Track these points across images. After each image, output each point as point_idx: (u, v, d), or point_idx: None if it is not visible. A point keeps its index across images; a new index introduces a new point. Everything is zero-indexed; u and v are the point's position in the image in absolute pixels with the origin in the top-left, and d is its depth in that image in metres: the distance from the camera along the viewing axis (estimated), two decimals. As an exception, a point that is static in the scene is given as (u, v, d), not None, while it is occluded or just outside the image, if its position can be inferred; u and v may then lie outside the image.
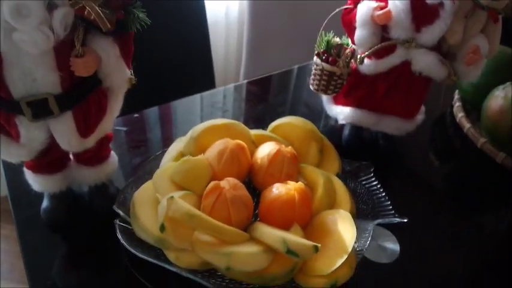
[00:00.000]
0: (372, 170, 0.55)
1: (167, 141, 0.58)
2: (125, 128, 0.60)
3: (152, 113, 0.64)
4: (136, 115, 0.63)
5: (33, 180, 0.44)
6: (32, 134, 0.36)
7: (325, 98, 0.59)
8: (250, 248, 0.41)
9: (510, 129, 0.56)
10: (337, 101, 0.58)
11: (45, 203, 0.46)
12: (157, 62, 0.87)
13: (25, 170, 0.44)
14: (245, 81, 0.75)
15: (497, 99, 0.58)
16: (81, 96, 0.37)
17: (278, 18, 1.20)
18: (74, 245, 0.46)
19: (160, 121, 0.63)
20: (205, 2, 0.97)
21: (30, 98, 0.34)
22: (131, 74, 0.41)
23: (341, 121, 0.57)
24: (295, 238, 0.40)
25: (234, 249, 0.40)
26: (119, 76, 0.38)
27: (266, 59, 1.21)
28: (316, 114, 0.68)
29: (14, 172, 0.48)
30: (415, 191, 0.58)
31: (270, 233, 0.41)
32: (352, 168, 0.56)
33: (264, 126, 0.58)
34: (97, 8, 0.33)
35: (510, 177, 0.59)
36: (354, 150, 0.61)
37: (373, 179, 0.54)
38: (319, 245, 0.39)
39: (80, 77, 0.35)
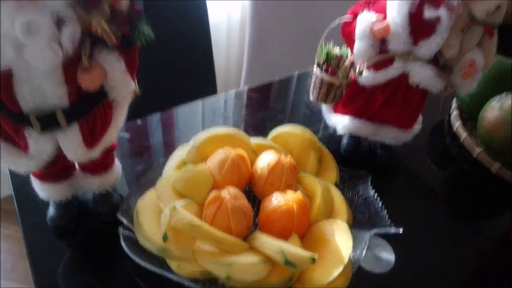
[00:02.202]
0: (369, 179, 0.56)
1: (169, 148, 0.59)
2: (127, 135, 0.61)
3: (154, 119, 0.65)
4: (139, 122, 0.64)
5: (40, 189, 0.45)
6: (40, 146, 0.37)
7: (324, 107, 0.61)
8: (250, 258, 0.42)
9: (505, 140, 0.57)
10: (336, 111, 0.59)
11: (51, 211, 0.47)
12: (159, 66, 0.89)
13: (32, 178, 0.45)
14: (246, 87, 0.76)
15: (493, 109, 0.60)
16: (87, 109, 0.38)
17: (279, 22, 1.21)
18: (79, 251, 0.48)
19: (163, 127, 0.64)
20: (207, 4, 0.98)
21: (38, 112, 0.35)
22: (136, 85, 0.42)
23: (340, 131, 0.58)
24: (293, 249, 0.41)
25: (234, 259, 0.42)
26: (125, 89, 0.39)
27: (267, 61, 1.22)
28: (315, 122, 0.69)
29: (20, 179, 0.49)
30: (411, 201, 0.59)
31: (269, 244, 0.42)
32: (350, 177, 0.57)
33: (264, 133, 0.59)
34: (103, 23, 0.34)
35: (505, 187, 0.61)
36: (352, 159, 0.62)
37: (371, 188, 0.55)
38: (316, 256, 0.41)
39: (86, 91, 0.36)
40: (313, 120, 0.70)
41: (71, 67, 0.35)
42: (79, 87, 0.36)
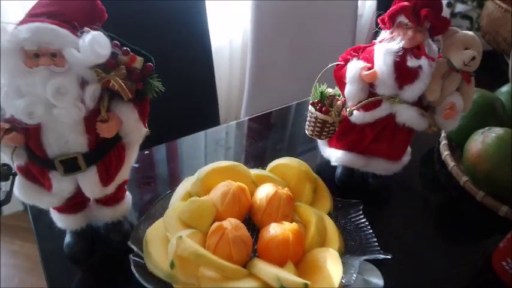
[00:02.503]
0: (361, 207, 0.60)
1: (174, 178, 0.64)
2: (136, 165, 0.66)
3: (160, 150, 0.70)
4: (146, 152, 0.69)
5: (58, 219, 0.50)
6: (62, 186, 0.42)
7: (320, 141, 0.65)
8: (249, 284, 0.46)
9: (487, 172, 0.61)
10: (330, 144, 0.63)
11: (67, 239, 0.52)
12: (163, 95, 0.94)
13: (51, 210, 0.50)
14: (246, 118, 0.81)
15: (476, 142, 0.64)
16: (104, 152, 0.43)
17: (280, 50, 1.27)
18: (92, 276, 0.52)
19: (168, 158, 0.69)
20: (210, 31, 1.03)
21: (62, 157, 0.40)
22: (146, 128, 0.47)
23: (333, 163, 0.62)
24: (288, 276, 0.45)
25: (235, 285, 0.46)
26: (137, 134, 0.44)
27: (268, 86, 1.28)
28: (312, 152, 0.73)
29: (37, 209, 0.53)
30: (401, 227, 0.63)
31: (266, 271, 0.46)
32: (343, 205, 0.61)
33: (263, 162, 0.63)
34: (120, 81, 0.39)
35: (489, 214, 0.65)
36: (345, 187, 0.66)
37: (362, 216, 0.60)
38: (309, 283, 0.45)
39: (104, 137, 0.41)
40: (310, 150, 0.75)
41: (91, 119, 0.40)
42: (97, 135, 0.41)
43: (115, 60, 0.38)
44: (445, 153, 0.73)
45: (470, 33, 0.51)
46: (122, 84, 0.39)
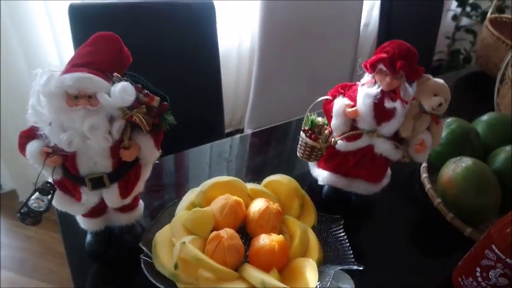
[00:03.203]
0: (342, 222, 0.68)
1: (181, 187, 0.73)
2: (148, 174, 0.75)
3: (169, 160, 0.79)
4: (157, 161, 0.78)
5: (81, 221, 0.59)
6: (89, 198, 0.51)
7: (310, 162, 0.74)
8: (239, 285, 0.55)
9: (455, 197, 0.70)
10: (318, 165, 0.72)
11: (88, 238, 0.61)
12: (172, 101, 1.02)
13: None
14: (249, 132, 0.89)
15: (448, 170, 0.72)
16: (125, 172, 0.52)
17: (285, 61, 1.35)
18: (108, 270, 0.61)
19: (175, 168, 0.78)
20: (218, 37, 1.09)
21: (91, 176, 0.49)
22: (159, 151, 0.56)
23: (320, 182, 0.71)
24: (271, 280, 0.54)
25: (227, 286, 0.55)
26: (152, 157, 0.53)
27: (272, 97, 1.36)
28: (305, 169, 0.82)
29: (64, 212, 0.63)
30: (376, 242, 0.71)
31: (253, 275, 0.55)
32: (326, 220, 0.70)
33: (261, 176, 0.72)
34: (141, 117, 0.48)
35: (457, 234, 0.73)
36: (331, 203, 0.75)
37: (342, 230, 0.68)
38: (288, 288, 0.54)
39: (125, 160, 0.50)
40: (303, 167, 0.83)
41: (115, 146, 0.49)
42: (120, 159, 0.50)
43: (137, 101, 0.47)
44: (424, 175, 0.81)
45: (440, 81, 0.59)
46: (142, 119, 0.48)
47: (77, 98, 0.44)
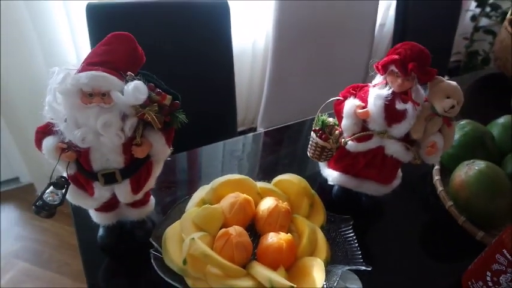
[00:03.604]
0: (351, 223, 0.68)
1: (193, 184, 0.74)
2: (160, 170, 0.76)
3: (181, 157, 0.80)
4: (168, 158, 0.79)
5: (94, 215, 0.61)
6: (102, 193, 0.53)
7: (320, 162, 0.74)
8: (246, 283, 0.56)
9: (467, 200, 0.69)
10: (329, 165, 0.72)
11: (100, 232, 0.63)
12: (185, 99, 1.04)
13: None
14: (262, 130, 0.90)
15: (460, 173, 0.71)
16: (136, 169, 0.53)
17: (299, 61, 1.35)
18: (118, 263, 0.63)
19: (188, 165, 0.79)
20: (233, 35, 1.10)
21: (103, 171, 0.51)
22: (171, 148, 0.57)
23: (330, 182, 0.71)
24: (278, 278, 0.55)
25: (235, 282, 0.55)
26: (163, 154, 0.54)
27: (285, 97, 1.36)
28: (316, 168, 0.82)
29: (78, 206, 0.65)
30: (386, 243, 0.71)
31: (260, 273, 0.56)
32: (335, 220, 0.70)
33: (272, 175, 0.72)
34: (153, 115, 0.49)
35: (468, 238, 0.72)
36: (341, 203, 0.75)
37: (351, 231, 0.68)
38: (295, 286, 0.54)
39: (137, 157, 0.51)
40: (314, 167, 0.84)
41: (127, 143, 0.50)
42: (132, 155, 0.51)
43: (150, 99, 0.48)
44: (436, 177, 0.80)
45: (453, 83, 0.59)
46: (154, 117, 0.49)
47: (91, 96, 0.46)
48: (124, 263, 0.63)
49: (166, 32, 1.01)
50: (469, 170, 0.70)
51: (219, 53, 1.09)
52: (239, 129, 1.82)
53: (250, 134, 0.89)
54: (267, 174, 0.73)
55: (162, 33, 1.01)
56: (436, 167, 0.82)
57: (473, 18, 2.19)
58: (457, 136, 0.79)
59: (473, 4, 2.17)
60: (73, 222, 0.66)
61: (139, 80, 0.47)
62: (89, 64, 0.46)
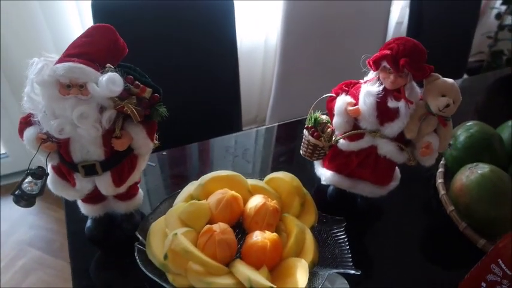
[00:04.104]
0: (343, 224, 0.66)
1: (185, 179, 0.74)
2: (154, 164, 0.77)
3: (176, 152, 0.80)
4: (164, 153, 0.79)
5: (81, 207, 0.61)
6: (83, 184, 0.53)
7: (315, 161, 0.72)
8: (227, 281, 0.55)
9: (467, 206, 0.65)
10: (323, 164, 0.70)
11: (88, 223, 0.63)
12: (186, 96, 1.04)
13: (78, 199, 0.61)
14: (263, 127, 0.89)
15: (462, 176, 0.68)
16: (117, 161, 0.53)
17: (308, 58, 1.32)
18: (106, 255, 0.63)
19: (182, 160, 0.79)
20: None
21: (84, 163, 0.51)
22: (156, 140, 0.57)
23: (323, 182, 0.69)
24: (257, 278, 0.53)
25: (214, 280, 0.55)
26: (145, 148, 0.54)
27: (293, 93, 1.34)
28: (311, 168, 0.80)
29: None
30: (380, 247, 0.69)
31: (241, 271, 0.55)
32: (328, 220, 0.68)
33: (266, 172, 0.71)
34: (132, 107, 0.49)
35: (469, 246, 0.68)
36: (335, 204, 0.73)
37: (343, 232, 0.66)
38: (275, 287, 0.53)
39: (117, 150, 0.51)
40: (309, 166, 0.82)
41: (107, 135, 0.50)
42: (112, 148, 0.51)
43: (128, 92, 0.48)
44: (439, 180, 0.77)
45: (450, 80, 0.55)
46: (133, 110, 0.48)
47: (69, 87, 0.46)
48: (111, 255, 0.63)
49: (171, 28, 1.01)
50: (470, 174, 0.66)
51: (224, 49, 1.08)
52: (250, 127, 1.81)
53: (248, 130, 0.88)
54: (262, 171, 0.72)
55: (167, 29, 1.01)
56: (440, 169, 0.79)
57: (498, 16, 2.09)
58: (462, 137, 0.75)
59: (499, 1, 2.07)
60: (64, 212, 0.67)
61: (116, 72, 0.46)
62: (68, 55, 0.46)
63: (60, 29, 1.31)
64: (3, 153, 1.73)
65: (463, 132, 0.75)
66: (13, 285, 1.39)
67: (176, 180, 0.76)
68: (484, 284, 0.55)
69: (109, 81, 0.45)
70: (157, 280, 0.56)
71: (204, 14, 1.02)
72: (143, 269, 0.57)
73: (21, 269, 1.44)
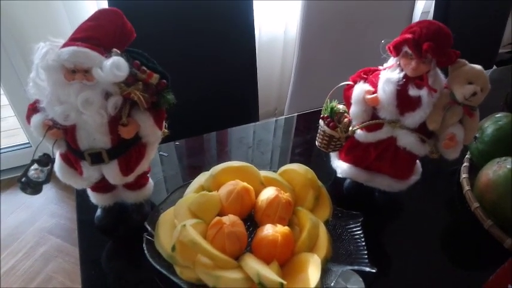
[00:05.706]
0: (360, 219, 0.63)
1: (197, 169, 0.72)
2: (166, 154, 0.75)
3: (189, 142, 0.78)
4: (177, 143, 0.78)
5: (91, 196, 0.61)
6: (90, 173, 0.52)
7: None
8: (235, 275, 0.53)
9: (493, 202, 0.61)
10: (340, 156, 0.67)
11: (98, 212, 0.63)
12: (203, 87, 1.02)
13: (87, 188, 0.61)
14: (275, 118, 0.86)
15: (489, 171, 0.63)
16: (124, 150, 0.51)
17: (327, 50, 1.28)
18: (115, 243, 0.62)
19: (195, 150, 0.77)
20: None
21: (90, 151, 0.50)
22: (165, 128, 0.55)
23: (338, 174, 0.66)
24: (267, 273, 0.51)
25: (222, 274, 0.53)
26: (153, 136, 0.53)
27: (312, 85, 1.30)
28: (329, 160, 0.77)
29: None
30: (399, 244, 0.65)
31: (249, 266, 0.53)
32: (343, 215, 0.65)
33: (282, 164, 0.69)
34: (138, 94, 0.47)
35: (495, 245, 0.64)
36: (352, 198, 0.70)
37: (359, 228, 0.63)
38: (285, 283, 0.50)
39: (124, 138, 0.50)
40: (326, 159, 0.79)
41: (114, 122, 0.48)
42: (119, 136, 0.49)
43: (135, 77, 0.46)
44: (463, 175, 0.73)
45: (478, 67, 0.51)
46: (140, 96, 0.47)
47: (74, 73, 0.44)
48: (120, 245, 0.62)
49: (189, 19, 1.00)
50: (498, 169, 0.62)
51: (241, 39, 1.06)
52: (269, 119, 1.79)
53: (264, 121, 0.86)
54: (274, 164, 0.70)
55: (185, 20, 0.99)
56: (465, 164, 0.75)
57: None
58: (490, 130, 0.70)
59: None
60: (76, 201, 0.66)
61: (121, 56, 0.45)
62: (73, 39, 0.45)
63: (76, 10, 1.32)
64: (26, 143, 1.76)
65: (491, 125, 0.71)
66: (34, 272, 1.42)
67: (190, 170, 0.75)
68: (510, 287, 0.51)
69: (113, 66, 0.43)
70: (164, 272, 0.55)
71: (222, 5, 1.00)
72: (151, 260, 0.55)
73: (41, 257, 1.47)
